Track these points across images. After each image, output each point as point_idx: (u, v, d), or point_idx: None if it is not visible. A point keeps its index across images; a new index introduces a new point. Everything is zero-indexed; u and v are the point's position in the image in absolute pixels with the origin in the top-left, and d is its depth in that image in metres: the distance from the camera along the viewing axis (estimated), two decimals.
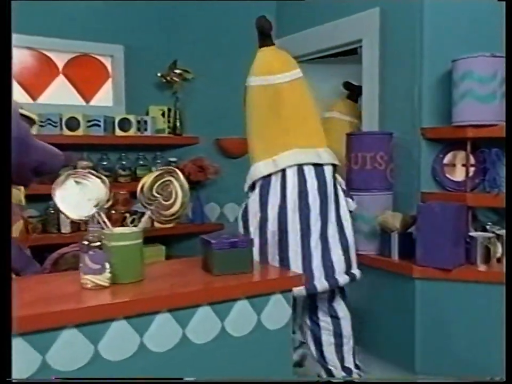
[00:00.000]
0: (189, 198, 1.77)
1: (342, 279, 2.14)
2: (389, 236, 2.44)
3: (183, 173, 3.40)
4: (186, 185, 1.76)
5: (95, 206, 1.73)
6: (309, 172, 2.14)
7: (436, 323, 2.31)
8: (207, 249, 1.87)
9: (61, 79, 3.36)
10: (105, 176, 3.26)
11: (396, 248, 2.41)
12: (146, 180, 1.77)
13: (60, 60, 3.35)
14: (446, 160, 2.51)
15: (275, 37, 3.55)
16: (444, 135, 2.45)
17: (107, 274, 1.65)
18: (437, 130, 2.47)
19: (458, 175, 2.48)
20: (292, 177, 2.14)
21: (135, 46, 3.49)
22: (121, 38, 3.44)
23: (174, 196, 1.76)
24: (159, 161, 3.56)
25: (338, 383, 2.17)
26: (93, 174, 1.78)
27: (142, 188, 1.77)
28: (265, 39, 2.37)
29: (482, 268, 2.25)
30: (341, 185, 2.24)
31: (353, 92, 3.16)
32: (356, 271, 2.20)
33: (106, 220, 1.74)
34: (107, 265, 1.65)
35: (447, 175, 2.50)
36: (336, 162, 2.20)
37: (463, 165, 2.45)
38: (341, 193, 2.18)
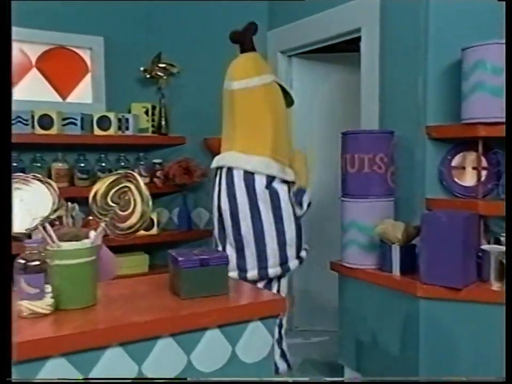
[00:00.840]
0: (150, 208, 1.50)
1: (273, 271, 2.30)
2: (390, 249, 2.16)
3: (168, 175, 3.23)
4: (146, 192, 1.49)
5: (38, 217, 1.46)
6: (238, 176, 2.34)
7: (442, 347, 2.03)
8: (174, 268, 1.61)
9: (34, 73, 3.10)
10: (83, 179, 3.10)
11: (397, 262, 2.13)
12: (100, 186, 1.51)
13: (33, 52, 3.09)
14: (454, 163, 2.23)
15: (267, 29, 3.32)
16: (452, 134, 2.17)
17: (48, 300, 1.38)
18: (444, 128, 2.19)
19: (469, 179, 2.20)
20: (224, 177, 2.39)
21: (116, 38, 3.23)
22: (101, 29, 3.18)
23: (132, 205, 1.49)
24: (142, 162, 3.30)
25: (338, 383, 2.15)
26: (37, 179, 1.51)
27: (95, 196, 1.50)
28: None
29: (496, 286, 1.96)
30: (290, 195, 2.34)
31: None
32: (292, 263, 2.32)
33: (52, 234, 1.47)
34: (48, 289, 1.38)
35: (456, 180, 2.22)
36: (272, 173, 2.28)
37: (474, 168, 2.18)
38: (281, 202, 2.29)
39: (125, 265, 3.17)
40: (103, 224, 1.49)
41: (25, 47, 3.06)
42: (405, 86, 2.35)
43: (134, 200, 1.48)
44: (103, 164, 3.18)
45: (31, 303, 1.34)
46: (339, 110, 2.84)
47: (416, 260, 2.14)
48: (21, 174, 1.54)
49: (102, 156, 3.18)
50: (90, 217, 3.06)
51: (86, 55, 3.24)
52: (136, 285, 1.73)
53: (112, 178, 1.49)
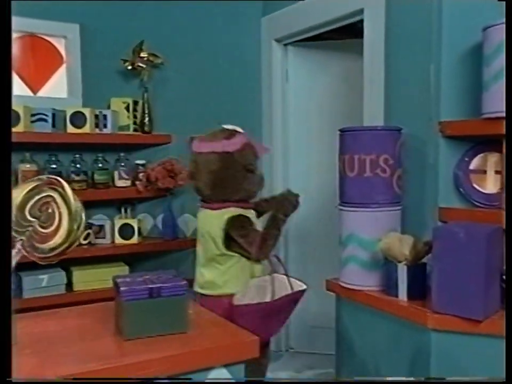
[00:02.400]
0: (81, 223, 1.16)
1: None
2: (395, 268, 1.80)
3: (150, 178, 2.89)
4: (76, 204, 1.15)
5: None
6: None
7: None
8: (117, 299, 1.27)
9: None
10: None
11: (404, 284, 1.78)
12: (16, 194, 1.17)
13: None
14: (473, 165, 1.88)
15: (261, 15, 2.99)
16: (471, 131, 1.82)
17: None
18: (460, 124, 1.83)
19: (491, 185, 1.84)
20: None
21: (93, 25, 2.91)
22: (76, 15, 2.86)
23: (56, 219, 1.15)
24: (122, 164, 2.96)
25: (338, 383, 1.98)
26: None
27: None
28: None
29: None
30: None
31: None
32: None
33: None
34: None
35: (475, 186, 1.86)
36: None
37: (497, 172, 1.82)
38: None
39: (104, 277, 2.86)
40: (18, 244, 1.15)
41: None
42: (414, 75, 2.00)
43: (59, 213, 1.15)
44: (78, 166, 2.85)
45: None
46: (340, 104, 2.50)
47: (427, 282, 1.79)
48: None
49: (77, 156, 2.85)
50: None
51: (60, 45, 2.91)
52: (74, 318, 1.40)
53: (31, 185, 1.16)
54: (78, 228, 1.16)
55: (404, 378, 1.58)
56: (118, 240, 2.90)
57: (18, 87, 2.84)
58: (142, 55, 2.93)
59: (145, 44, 2.93)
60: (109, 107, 2.95)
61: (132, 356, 1.15)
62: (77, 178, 2.84)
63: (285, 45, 2.79)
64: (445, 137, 1.89)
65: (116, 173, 2.95)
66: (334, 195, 2.16)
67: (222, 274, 2.11)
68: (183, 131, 3.01)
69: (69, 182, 2.69)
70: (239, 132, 2.16)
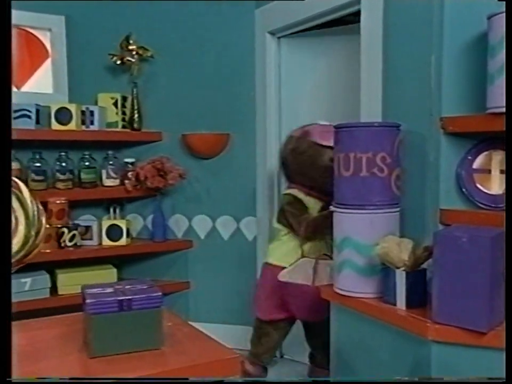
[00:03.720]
0: (41, 230, 1.04)
1: None
2: (393, 274, 1.68)
3: (139, 177, 2.77)
4: (33, 208, 1.03)
5: None
6: None
7: None
8: (84, 311, 1.16)
9: None
10: (39, 181, 2.66)
11: (402, 292, 1.65)
12: None
13: None
14: (477, 164, 1.74)
15: (254, 6, 2.86)
16: (474, 127, 1.69)
17: None
18: (463, 120, 1.71)
19: (496, 185, 1.71)
20: None
21: (79, 17, 2.81)
22: (61, 7, 2.75)
23: (12, 225, 1.03)
24: (111, 162, 2.85)
25: (338, 383, 1.83)
26: None
27: None
28: None
29: None
30: None
31: None
32: None
33: None
34: None
35: (479, 186, 1.74)
36: None
37: (502, 171, 1.69)
38: None
39: (90, 279, 2.72)
40: None
41: None
42: (414, 67, 1.87)
43: (15, 218, 1.03)
44: (64, 164, 2.75)
45: None
46: (336, 98, 2.37)
47: (427, 289, 1.66)
48: None
49: (62, 154, 2.75)
50: (46, 226, 2.64)
51: (45, 38, 2.80)
52: (37, 331, 1.28)
53: None
54: (37, 233, 1.04)
55: (403, 379, 1.46)
56: (106, 241, 2.80)
57: None
58: (130, 48, 2.82)
59: (134, 37, 2.82)
60: (96, 103, 2.84)
61: (99, 377, 1.03)
62: (62, 177, 2.74)
63: (279, 38, 2.66)
64: (446, 134, 1.75)
65: (103, 172, 2.85)
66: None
67: (277, 247, 2.36)
68: (174, 128, 2.91)
69: (54, 181, 2.66)
70: None
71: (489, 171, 1.73)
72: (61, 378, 0.97)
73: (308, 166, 2.24)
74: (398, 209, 1.83)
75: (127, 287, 1.20)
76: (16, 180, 1.05)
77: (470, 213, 1.73)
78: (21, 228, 1.03)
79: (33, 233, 1.03)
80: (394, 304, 1.69)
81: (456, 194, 1.77)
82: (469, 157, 1.76)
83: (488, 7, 1.61)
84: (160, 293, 1.17)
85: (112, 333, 1.12)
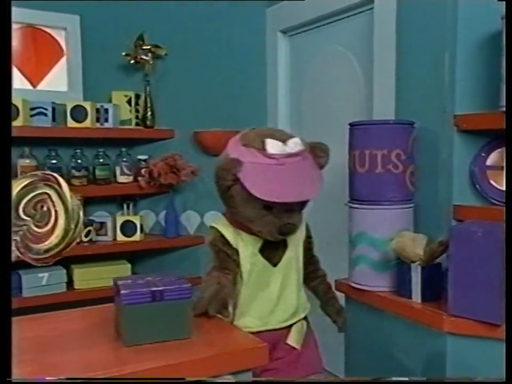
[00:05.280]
0: (79, 224, 1.09)
1: None
2: (408, 268, 1.73)
3: (152, 174, 2.81)
4: (73, 202, 1.08)
5: None
6: None
7: None
8: (117, 302, 1.20)
9: None
10: None
11: (418, 286, 1.70)
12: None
13: None
14: (490, 161, 1.79)
15: (266, 6, 2.90)
16: (488, 124, 1.73)
17: None
18: (477, 118, 1.75)
19: None
20: None
21: (94, 16, 2.83)
22: (76, 6, 2.78)
23: (52, 219, 1.08)
24: (124, 159, 2.89)
25: (338, 383, 1.95)
26: None
27: None
28: None
29: None
30: None
31: None
32: None
33: None
34: None
35: (492, 182, 1.78)
36: None
37: None
38: None
39: (105, 275, 2.79)
40: (12, 245, 1.08)
41: None
42: (427, 65, 1.91)
43: (56, 212, 1.07)
44: (79, 161, 2.78)
45: None
46: (349, 96, 2.40)
47: (442, 283, 1.71)
48: None
49: (77, 151, 2.78)
50: None
51: (60, 37, 2.84)
52: (69, 322, 1.33)
53: (25, 181, 1.09)
54: (76, 227, 1.08)
55: (404, 378, 1.50)
56: (120, 237, 2.84)
57: (17, 80, 2.76)
58: (144, 47, 2.86)
59: (146, 35, 2.85)
60: (110, 101, 2.88)
61: (132, 365, 1.08)
62: (77, 174, 2.77)
63: (291, 36, 2.70)
64: (460, 131, 1.80)
65: (117, 169, 2.88)
66: (343, 191, 2.08)
67: None
68: (186, 126, 2.95)
69: (69, 178, 2.71)
70: None
71: (502, 168, 1.77)
72: (59, 379, 0.98)
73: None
74: (412, 205, 1.87)
75: (157, 279, 1.24)
76: (55, 175, 1.10)
77: (484, 209, 1.77)
78: (61, 222, 1.07)
79: (72, 226, 1.07)
80: (410, 298, 1.74)
81: (470, 190, 1.82)
82: (482, 154, 1.80)
83: (502, 7, 1.65)
84: (190, 285, 1.22)
85: (144, 322, 1.16)
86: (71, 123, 2.70)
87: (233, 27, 2.87)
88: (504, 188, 1.77)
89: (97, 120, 2.78)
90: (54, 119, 2.68)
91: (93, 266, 2.79)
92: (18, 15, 2.65)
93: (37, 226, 1.08)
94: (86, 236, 2.73)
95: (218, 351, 1.18)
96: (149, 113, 2.91)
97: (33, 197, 1.08)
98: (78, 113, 2.71)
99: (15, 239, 1.08)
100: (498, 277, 1.50)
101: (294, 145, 1.50)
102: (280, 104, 2.76)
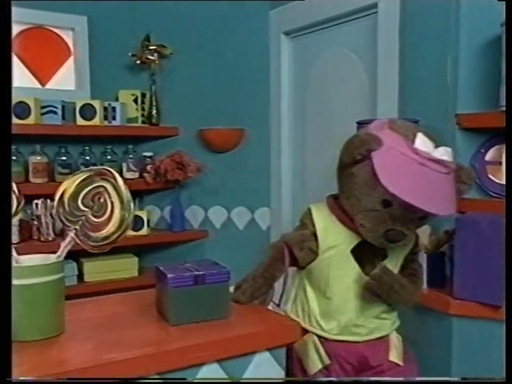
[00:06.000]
0: (132, 213, 1.19)
1: None
2: None
3: (159, 170, 2.91)
4: (127, 194, 1.18)
5: None
6: None
7: (477, 372, 1.73)
8: (162, 286, 1.31)
9: None
10: (65, 174, 2.78)
11: (424, 273, 1.83)
12: (69, 185, 1.20)
13: None
14: (489, 157, 1.94)
15: (269, 7, 3.02)
16: (488, 123, 1.87)
17: None
18: (478, 117, 1.89)
19: None
20: None
21: (100, 17, 2.92)
22: (84, 7, 2.86)
23: (108, 209, 1.18)
24: (131, 156, 2.98)
25: (338, 383, 1.73)
26: None
27: (62, 197, 1.19)
28: None
29: None
30: None
31: None
32: None
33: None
34: None
35: (491, 176, 1.92)
36: None
37: None
38: None
39: (113, 268, 2.89)
40: (72, 233, 1.18)
41: None
42: (430, 66, 2.04)
43: (111, 203, 1.18)
44: (87, 158, 2.86)
45: None
46: (352, 96, 2.52)
47: (445, 270, 1.84)
48: None
49: (86, 148, 2.87)
50: None
51: (67, 37, 2.92)
52: (115, 305, 1.43)
53: (83, 175, 1.19)
54: (129, 216, 1.19)
55: (403, 379, 1.54)
56: (128, 231, 2.91)
57: (27, 79, 2.84)
58: (150, 47, 2.94)
59: (152, 36, 2.94)
60: (116, 99, 2.96)
61: (182, 341, 1.19)
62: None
63: (294, 37, 2.82)
64: (461, 129, 1.94)
65: (124, 165, 2.97)
66: None
67: None
68: (190, 123, 3.05)
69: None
70: None
71: (500, 163, 1.92)
72: (58, 379, 1.02)
73: None
74: None
75: (195, 265, 1.35)
76: (111, 170, 1.20)
77: (483, 201, 1.91)
78: (117, 212, 1.17)
79: (127, 216, 1.18)
80: None
81: None
82: (482, 150, 1.94)
83: (503, 12, 1.79)
84: (228, 269, 1.33)
85: (188, 304, 1.27)
86: (80, 121, 2.78)
87: (237, 28, 2.98)
88: (502, 182, 1.91)
89: (105, 118, 2.86)
90: (63, 117, 2.76)
91: (102, 259, 2.87)
92: (27, 15, 2.75)
93: (94, 216, 1.18)
94: None
95: (255, 330, 1.29)
96: (154, 111, 3.00)
97: (90, 190, 1.19)
98: (87, 111, 2.79)
99: (75, 228, 1.18)
100: (501, 262, 1.64)
101: (444, 152, 1.35)
102: (283, 103, 2.87)
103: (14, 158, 2.66)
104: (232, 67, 3.01)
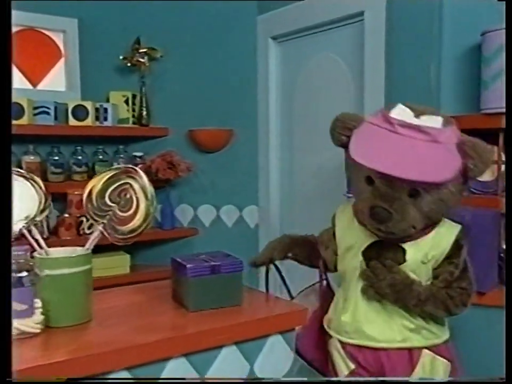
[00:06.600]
0: (155, 208, 1.28)
1: None
2: None
3: (150, 170, 2.99)
4: (151, 190, 1.28)
5: (23, 219, 1.24)
6: None
7: (464, 354, 1.87)
8: (180, 276, 1.40)
9: None
10: (57, 173, 2.84)
11: None
12: (96, 182, 1.29)
13: None
14: None
15: (257, 13, 3.12)
16: (470, 125, 2.00)
17: (38, 317, 1.17)
18: (460, 119, 2.01)
19: (486, 174, 2.04)
20: None
21: (91, 19, 2.98)
22: (74, 9, 2.92)
23: (134, 204, 1.28)
24: (121, 155, 3.05)
25: (338, 383, 1.81)
26: (20, 174, 1.28)
27: (90, 194, 1.28)
28: None
29: None
30: None
31: None
32: None
33: (39, 238, 1.26)
34: (38, 304, 1.17)
35: None
36: None
37: (492, 162, 2.02)
38: None
39: (105, 266, 2.95)
40: (100, 227, 1.27)
41: None
42: (415, 72, 2.17)
43: (137, 198, 1.27)
44: (79, 157, 2.93)
45: (19, 322, 1.12)
46: (339, 99, 2.64)
47: None
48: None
49: (78, 148, 2.93)
50: (66, 215, 2.83)
51: (58, 39, 2.97)
52: (132, 295, 1.52)
53: (110, 173, 1.28)
54: (154, 210, 1.28)
55: (403, 378, 1.57)
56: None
57: (18, 80, 2.88)
58: (140, 50, 3.02)
59: (142, 38, 3.01)
60: (107, 100, 3.03)
61: (201, 325, 1.28)
62: (78, 169, 2.92)
63: (281, 42, 2.93)
64: None
65: (115, 165, 3.03)
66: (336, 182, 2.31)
67: None
68: (179, 124, 3.13)
69: (70, 174, 2.85)
70: None
71: None
72: (58, 378, 1.05)
73: None
74: None
75: (210, 256, 1.45)
76: (136, 168, 1.29)
77: (465, 197, 2.05)
78: (142, 207, 1.27)
79: (151, 210, 1.27)
80: None
81: None
82: None
83: (483, 21, 1.94)
84: (240, 259, 1.43)
85: (205, 292, 1.37)
86: (72, 121, 2.84)
87: (226, 31, 3.07)
88: (482, 179, 2.06)
89: (97, 118, 2.93)
90: (56, 118, 2.82)
91: (95, 257, 2.89)
92: (19, 17, 2.78)
93: (121, 211, 1.27)
94: (89, 228, 2.87)
95: (267, 314, 1.40)
96: (145, 112, 3.07)
97: (117, 187, 1.28)
98: (79, 112, 2.85)
99: (102, 222, 1.27)
100: (484, 254, 1.79)
101: (428, 120, 1.31)
102: (271, 105, 2.98)
103: None
104: (221, 69, 3.10)
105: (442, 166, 1.30)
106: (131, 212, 1.27)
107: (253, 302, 1.46)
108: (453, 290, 1.47)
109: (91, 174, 2.96)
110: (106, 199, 1.27)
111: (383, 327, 1.46)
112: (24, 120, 2.68)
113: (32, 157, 2.77)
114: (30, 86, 2.93)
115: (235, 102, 3.11)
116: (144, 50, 3.01)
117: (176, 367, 1.20)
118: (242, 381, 1.31)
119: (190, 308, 1.35)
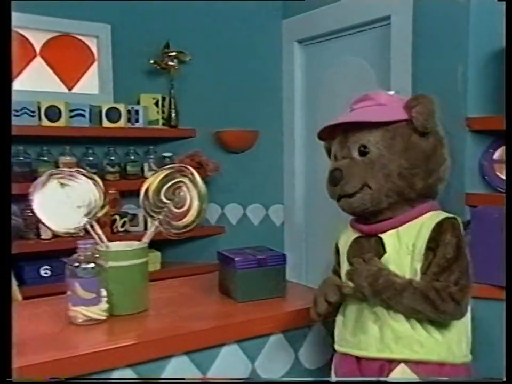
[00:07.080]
0: (206, 205, 1.38)
1: None
2: None
3: None
4: (203, 188, 1.37)
5: (86, 214, 1.34)
6: None
7: (487, 348, 1.95)
8: (228, 269, 1.50)
9: (38, 62, 2.93)
10: (92, 173, 2.94)
11: None
12: (152, 181, 1.39)
13: (37, 40, 2.91)
14: (496, 156, 2.15)
15: (281, 18, 3.22)
16: (495, 126, 2.08)
17: (103, 305, 1.27)
18: (486, 120, 2.11)
19: None
20: None
21: (123, 25, 3.08)
22: (107, 16, 3.02)
23: (188, 201, 1.37)
24: (151, 156, 3.15)
25: (338, 383, 1.90)
26: (82, 174, 1.39)
27: (146, 192, 1.38)
28: None
29: None
30: None
31: None
32: None
33: (100, 233, 1.36)
34: (103, 293, 1.27)
35: (498, 174, 2.14)
36: None
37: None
38: None
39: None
40: (156, 223, 1.37)
41: (29, 35, 2.88)
42: (442, 74, 2.24)
43: (190, 195, 1.37)
44: (112, 158, 3.03)
45: (87, 309, 1.22)
46: None
47: None
48: (66, 169, 1.42)
49: (111, 149, 3.03)
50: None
51: (92, 44, 3.08)
52: (181, 287, 1.62)
53: (164, 172, 1.38)
54: (206, 207, 1.37)
55: (402, 378, 1.54)
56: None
57: (55, 84, 2.99)
58: (170, 54, 3.12)
59: (171, 43, 3.11)
60: (138, 103, 3.13)
61: (251, 314, 1.38)
62: (111, 170, 3.02)
63: (307, 45, 3.01)
64: (471, 131, 2.16)
65: (145, 165, 3.13)
66: None
67: None
68: (207, 125, 3.23)
69: (103, 174, 2.95)
70: None
71: None
72: (57, 378, 1.09)
73: None
74: None
75: (254, 250, 1.54)
76: (189, 167, 1.39)
77: (491, 196, 2.12)
78: (195, 203, 1.36)
79: (204, 207, 1.37)
80: None
81: (479, 181, 2.17)
82: (490, 150, 2.16)
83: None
84: (284, 253, 1.52)
85: (252, 284, 1.46)
86: (106, 123, 2.95)
87: (251, 35, 3.16)
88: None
89: (129, 120, 3.03)
90: (90, 120, 2.92)
91: None
92: (56, 24, 2.91)
93: (175, 207, 1.37)
94: (122, 226, 2.98)
95: (307, 306, 1.48)
96: (173, 114, 3.17)
97: (172, 185, 1.37)
98: (113, 114, 2.96)
99: (158, 218, 1.37)
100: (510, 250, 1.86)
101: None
102: (296, 107, 3.06)
103: (45, 158, 2.83)
104: (247, 72, 3.19)
105: (382, 114, 1.45)
106: (185, 208, 1.36)
107: (294, 294, 1.55)
108: (439, 282, 1.34)
109: (123, 174, 3.07)
110: (162, 196, 1.36)
111: (375, 335, 1.31)
112: (61, 123, 2.78)
113: (68, 158, 2.88)
114: (65, 90, 3.03)
115: (260, 104, 3.20)
116: (174, 54, 3.11)
117: (230, 354, 1.29)
118: (242, 381, 1.35)
119: (238, 298, 1.45)
